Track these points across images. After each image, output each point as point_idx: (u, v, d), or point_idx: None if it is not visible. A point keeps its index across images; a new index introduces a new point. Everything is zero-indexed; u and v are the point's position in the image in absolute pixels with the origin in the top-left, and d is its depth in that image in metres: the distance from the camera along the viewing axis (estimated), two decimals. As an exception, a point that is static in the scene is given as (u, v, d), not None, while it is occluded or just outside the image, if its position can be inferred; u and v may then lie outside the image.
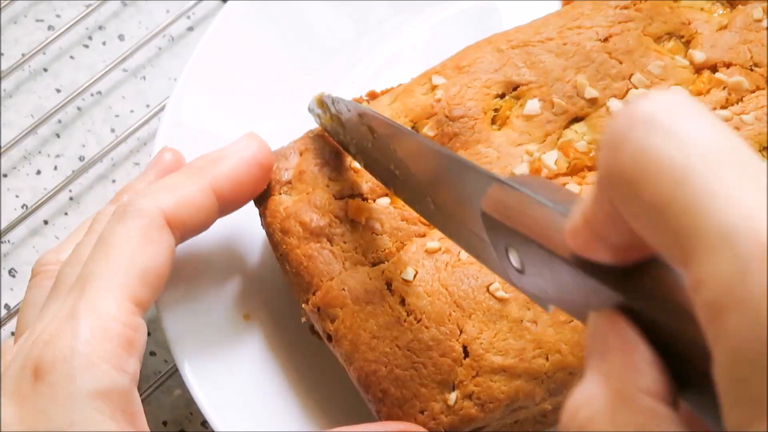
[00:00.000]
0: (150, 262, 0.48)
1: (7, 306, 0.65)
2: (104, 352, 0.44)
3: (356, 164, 0.56)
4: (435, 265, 0.53)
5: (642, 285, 0.30)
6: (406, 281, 0.52)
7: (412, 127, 0.56)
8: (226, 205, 0.53)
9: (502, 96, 0.57)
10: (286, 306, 0.58)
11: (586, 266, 0.32)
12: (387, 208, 0.54)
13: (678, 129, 0.27)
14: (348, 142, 0.55)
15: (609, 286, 0.31)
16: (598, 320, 0.31)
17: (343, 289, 0.52)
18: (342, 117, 0.55)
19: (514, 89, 0.57)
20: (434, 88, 0.57)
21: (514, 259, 0.37)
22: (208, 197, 0.52)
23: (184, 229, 0.51)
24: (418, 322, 0.51)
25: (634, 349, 0.30)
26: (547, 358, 0.50)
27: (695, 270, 0.26)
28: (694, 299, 0.26)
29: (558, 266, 0.33)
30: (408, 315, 0.51)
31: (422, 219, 0.53)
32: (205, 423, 0.62)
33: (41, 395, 0.43)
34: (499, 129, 0.56)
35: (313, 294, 0.53)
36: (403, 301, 0.52)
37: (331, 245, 0.54)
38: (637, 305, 0.30)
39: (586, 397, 0.30)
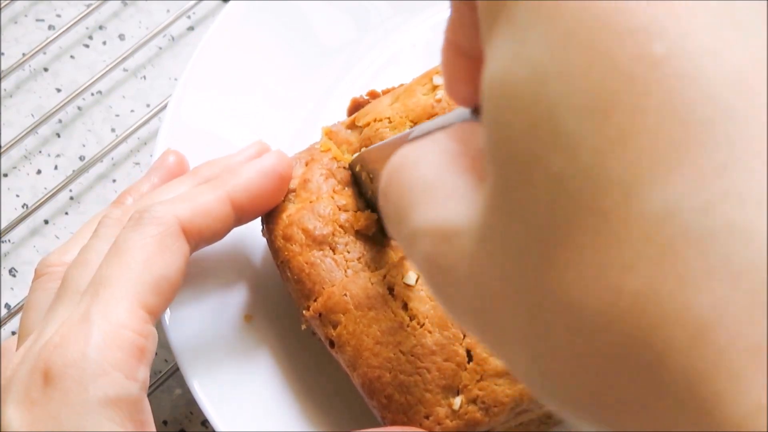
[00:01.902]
0: (164, 270, 0.48)
1: (7, 305, 0.65)
2: (116, 360, 0.44)
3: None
4: None
5: None
6: (408, 286, 0.52)
7: (412, 128, 0.56)
8: (243, 215, 0.53)
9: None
10: (288, 307, 0.58)
11: (468, 115, 0.31)
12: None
13: None
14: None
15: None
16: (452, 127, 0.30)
17: (345, 295, 0.52)
18: (353, 171, 0.55)
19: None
20: (435, 88, 0.57)
21: None
22: (225, 207, 0.52)
23: (199, 238, 0.50)
24: (421, 326, 0.51)
25: (474, 129, 0.29)
26: (550, 361, 0.50)
27: None
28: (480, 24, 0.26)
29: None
30: (411, 320, 0.51)
31: None
32: (205, 423, 0.62)
33: (52, 400, 0.43)
34: (500, 128, 0.56)
35: (314, 301, 0.53)
36: (405, 306, 0.52)
37: (334, 254, 0.54)
38: None
39: (416, 143, 0.29)
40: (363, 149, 0.55)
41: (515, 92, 0.23)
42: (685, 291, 0.20)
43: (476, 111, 0.31)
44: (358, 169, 0.53)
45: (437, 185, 0.27)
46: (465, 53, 0.30)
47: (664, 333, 0.20)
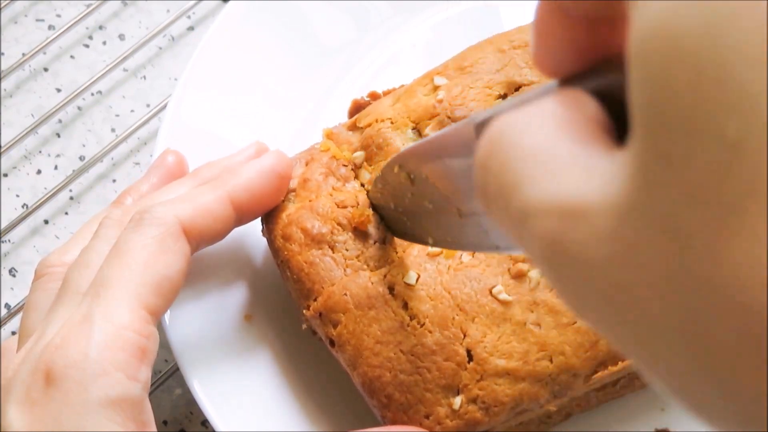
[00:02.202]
0: (165, 270, 0.48)
1: (7, 305, 0.65)
2: (117, 360, 0.44)
3: (366, 175, 0.56)
4: (437, 268, 0.52)
5: (610, 72, 0.26)
6: (408, 285, 0.52)
7: (414, 128, 0.56)
8: (243, 215, 0.53)
9: (504, 96, 0.57)
10: (288, 307, 0.58)
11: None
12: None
13: None
14: (387, 203, 0.53)
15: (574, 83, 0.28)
16: (560, 95, 0.27)
17: (345, 294, 0.52)
18: (386, 176, 0.53)
19: (516, 89, 0.57)
20: (436, 88, 0.57)
21: None
22: (225, 207, 0.51)
23: (200, 239, 0.50)
24: (422, 326, 0.51)
25: (580, 95, 0.26)
26: (551, 360, 0.50)
27: None
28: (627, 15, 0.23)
29: None
30: (411, 319, 0.51)
31: None
32: (205, 422, 0.62)
33: (53, 401, 0.43)
34: (500, 129, 0.56)
35: (314, 300, 0.53)
36: (405, 306, 0.52)
37: (333, 252, 0.54)
38: (602, 85, 0.26)
39: (515, 114, 0.26)
40: (407, 146, 0.52)
41: (679, 45, 0.20)
42: None
43: (565, 83, 0.28)
44: (396, 170, 0.50)
45: (553, 155, 0.24)
46: (566, 11, 0.27)
47: None
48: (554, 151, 0.24)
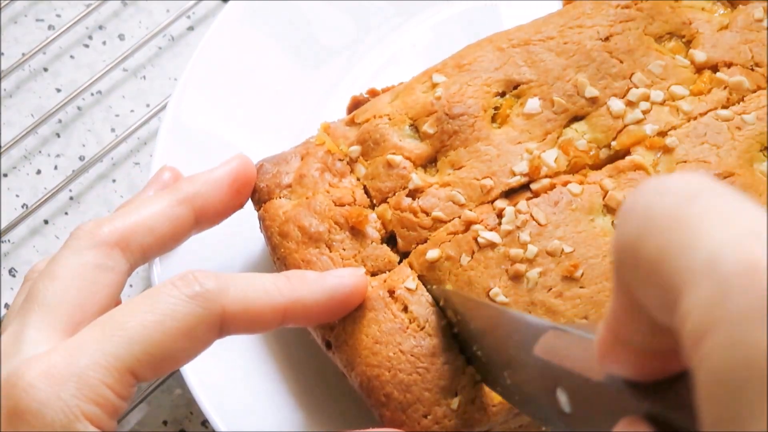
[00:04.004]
0: (93, 296, 0.48)
1: (7, 305, 0.65)
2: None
3: (361, 170, 0.55)
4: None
5: (670, 395, 0.30)
6: (409, 290, 0.52)
7: (412, 125, 0.56)
8: (202, 220, 0.54)
9: (502, 94, 0.57)
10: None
11: (621, 384, 0.31)
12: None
13: (680, 188, 0.26)
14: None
15: (637, 397, 0.30)
16: (621, 425, 0.30)
17: None
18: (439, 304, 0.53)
19: (515, 88, 0.57)
20: (434, 86, 0.57)
21: (562, 398, 0.37)
22: (178, 213, 0.52)
23: (146, 249, 0.51)
24: (422, 329, 0.51)
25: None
26: (548, 360, 0.50)
27: (681, 308, 0.25)
28: (682, 340, 0.25)
29: (599, 393, 0.33)
30: (411, 322, 0.51)
31: (422, 224, 0.53)
32: (205, 422, 0.62)
33: None
34: (499, 127, 0.56)
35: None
36: (405, 309, 0.51)
37: (330, 251, 0.53)
38: (664, 414, 0.29)
39: None
40: (448, 287, 0.52)
41: None
42: None
43: (630, 385, 0.31)
44: (441, 303, 0.52)
45: None
46: (626, 343, 0.30)
47: None
48: None
